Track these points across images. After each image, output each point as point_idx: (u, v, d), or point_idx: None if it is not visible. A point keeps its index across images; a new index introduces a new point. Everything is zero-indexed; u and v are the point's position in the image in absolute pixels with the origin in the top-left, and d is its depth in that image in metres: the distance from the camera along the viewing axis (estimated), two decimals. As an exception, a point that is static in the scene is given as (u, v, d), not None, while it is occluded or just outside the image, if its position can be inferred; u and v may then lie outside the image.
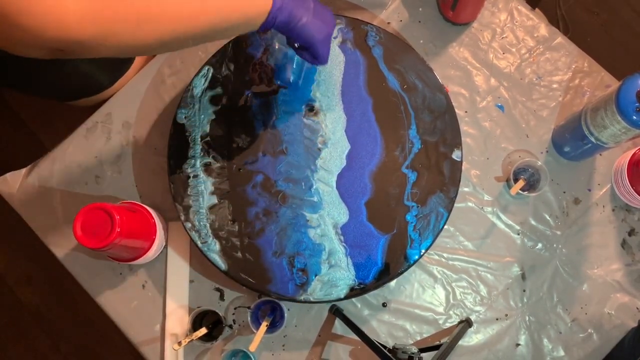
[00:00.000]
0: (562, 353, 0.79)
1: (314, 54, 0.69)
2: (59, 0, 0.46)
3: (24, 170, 0.83)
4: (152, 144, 0.84)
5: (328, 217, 0.75)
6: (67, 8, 0.46)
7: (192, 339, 0.71)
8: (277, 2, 0.61)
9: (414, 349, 0.70)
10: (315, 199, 0.75)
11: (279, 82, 0.79)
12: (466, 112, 0.86)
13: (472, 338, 0.79)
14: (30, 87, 0.84)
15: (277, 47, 0.80)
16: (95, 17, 0.48)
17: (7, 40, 0.46)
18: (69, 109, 0.95)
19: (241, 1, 0.59)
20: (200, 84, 0.79)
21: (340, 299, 0.73)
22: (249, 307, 0.76)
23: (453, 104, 0.80)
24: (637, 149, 0.81)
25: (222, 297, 0.79)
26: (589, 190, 0.84)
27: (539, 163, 0.79)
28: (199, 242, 0.74)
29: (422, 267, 0.81)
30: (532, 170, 0.81)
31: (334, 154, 0.77)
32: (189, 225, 0.74)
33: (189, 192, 0.75)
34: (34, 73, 0.76)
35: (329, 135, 0.78)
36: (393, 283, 0.80)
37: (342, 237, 0.74)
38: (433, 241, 0.75)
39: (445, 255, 0.81)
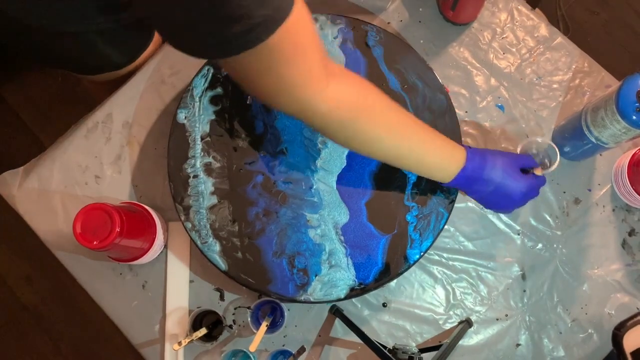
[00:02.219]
0: (562, 353, 0.79)
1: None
2: (323, 94, 0.54)
3: (21, 169, 0.83)
4: (152, 144, 0.84)
5: (328, 217, 0.75)
6: (328, 99, 0.55)
7: (192, 339, 0.71)
8: (454, 182, 0.68)
9: (414, 349, 0.70)
10: (315, 199, 0.75)
11: None
12: (466, 112, 0.86)
13: (473, 338, 0.79)
14: (52, 60, 0.85)
15: None
16: (344, 114, 0.57)
17: (270, 100, 0.54)
18: (69, 109, 0.95)
19: (433, 164, 0.67)
20: (201, 84, 0.79)
21: (341, 299, 0.73)
22: (249, 307, 0.76)
23: (453, 104, 0.80)
24: (637, 149, 0.81)
25: (222, 298, 0.79)
26: (589, 190, 0.84)
27: (539, 139, 0.78)
28: (199, 242, 0.74)
29: (422, 267, 0.81)
30: (537, 151, 0.80)
31: (334, 154, 0.77)
32: (189, 225, 0.74)
33: (189, 192, 0.75)
34: (57, 48, 0.77)
35: (329, 135, 0.78)
36: (393, 283, 0.80)
37: (342, 238, 0.74)
38: (433, 241, 0.75)
39: (445, 255, 0.81)
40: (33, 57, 0.87)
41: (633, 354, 0.74)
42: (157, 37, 0.89)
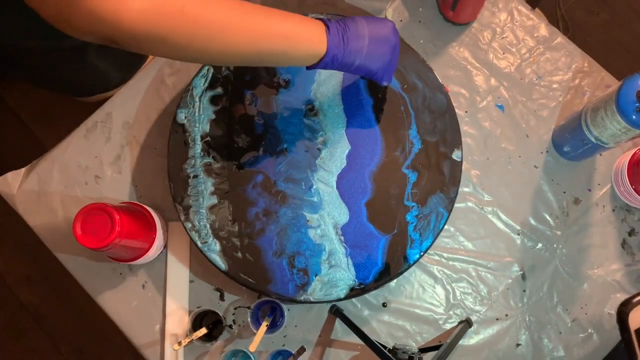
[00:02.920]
0: (562, 353, 0.79)
1: (377, 81, 0.70)
2: None
3: (23, 170, 0.83)
4: (152, 144, 0.84)
5: (328, 217, 0.75)
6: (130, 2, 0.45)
7: (192, 339, 0.71)
8: (328, 55, 0.61)
9: (415, 349, 0.70)
10: (315, 199, 0.75)
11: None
12: (466, 112, 0.86)
13: (472, 338, 0.79)
14: (46, 82, 0.84)
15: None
16: (156, 14, 0.48)
17: (64, 22, 0.45)
18: (69, 109, 0.95)
19: (298, 41, 0.59)
20: (201, 84, 0.79)
21: (340, 299, 0.73)
22: (249, 307, 0.76)
23: (453, 104, 0.80)
24: (637, 149, 0.81)
25: (222, 298, 0.79)
26: (589, 190, 0.84)
27: None
28: (199, 242, 0.74)
29: (422, 267, 0.81)
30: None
31: (334, 154, 0.77)
32: (189, 225, 0.74)
33: (189, 192, 0.75)
34: (51, 69, 0.76)
35: (329, 135, 0.78)
36: (393, 283, 0.80)
37: (342, 238, 0.74)
38: (433, 241, 0.75)
39: (445, 255, 0.81)
40: (26, 79, 0.86)
41: (637, 331, 0.74)
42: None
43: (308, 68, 0.63)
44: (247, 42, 0.56)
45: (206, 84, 0.79)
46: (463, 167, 0.78)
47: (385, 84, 0.71)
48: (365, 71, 0.66)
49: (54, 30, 0.50)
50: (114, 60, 0.81)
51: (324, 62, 0.62)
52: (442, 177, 0.77)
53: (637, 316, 0.72)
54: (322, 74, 0.80)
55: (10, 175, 0.82)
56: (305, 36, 0.60)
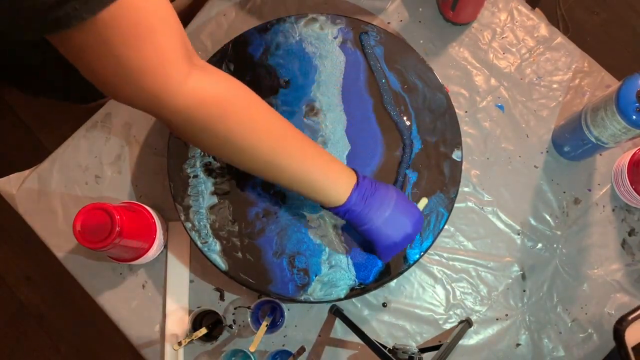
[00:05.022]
0: (562, 353, 0.79)
1: (375, 253, 0.68)
2: (182, 87, 0.47)
3: (27, 172, 0.83)
4: (152, 144, 0.84)
5: (328, 217, 0.75)
6: (188, 92, 0.47)
7: (192, 339, 0.71)
8: (343, 207, 0.61)
9: (415, 349, 0.70)
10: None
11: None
12: (466, 112, 0.86)
13: (472, 338, 0.79)
14: (44, 90, 0.84)
15: None
16: (209, 111, 0.49)
17: (115, 90, 0.47)
18: (69, 109, 0.95)
19: (322, 186, 0.59)
20: (200, 84, 0.79)
21: (341, 299, 0.73)
22: (249, 307, 0.76)
23: (453, 104, 0.80)
24: (637, 149, 0.81)
25: (222, 297, 0.79)
26: (589, 190, 0.84)
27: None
28: (199, 242, 0.74)
29: (422, 267, 0.81)
30: None
31: (334, 154, 0.77)
32: (189, 225, 0.74)
33: (189, 192, 0.75)
34: (48, 77, 0.76)
35: (329, 135, 0.78)
36: (393, 283, 0.80)
37: (342, 238, 0.74)
38: (433, 241, 0.75)
39: (445, 255, 0.81)
40: (25, 89, 0.86)
41: (635, 348, 0.74)
42: None
43: (322, 206, 0.63)
44: (277, 166, 0.56)
45: (206, 84, 0.79)
46: (463, 167, 0.78)
47: (382, 260, 0.71)
48: (370, 238, 0.65)
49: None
50: None
51: (336, 210, 0.62)
52: (442, 177, 0.77)
53: (633, 333, 0.72)
54: (323, 74, 0.80)
55: (14, 177, 0.83)
56: (327, 184, 0.60)
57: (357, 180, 0.62)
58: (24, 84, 0.82)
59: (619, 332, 0.72)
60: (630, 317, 0.73)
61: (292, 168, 0.57)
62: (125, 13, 0.41)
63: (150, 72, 0.44)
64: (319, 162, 0.59)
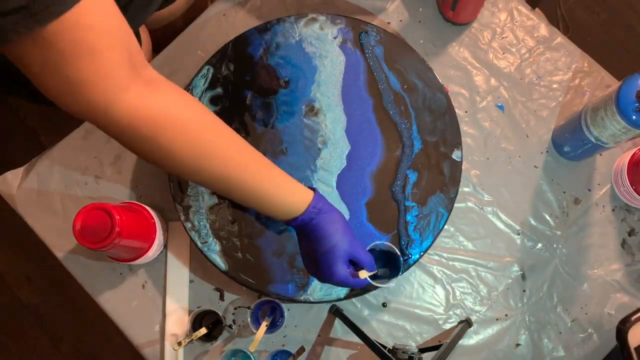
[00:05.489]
0: (562, 353, 0.79)
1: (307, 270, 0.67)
2: (123, 98, 0.47)
3: (22, 169, 0.83)
4: (152, 144, 0.84)
5: (328, 217, 0.75)
6: (125, 105, 0.48)
7: (192, 339, 0.71)
8: (300, 219, 0.60)
9: (414, 349, 0.70)
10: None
11: None
12: (466, 112, 0.86)
13: (472, 338, 0.79)
14: (39, 96, 0.84)
15: None
16: (146, 124, 0.50)
17: (58, 98, 0.47)
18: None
19: (277, 198, 0.59)
20: (200, 84, 0.79)
21: (340, 299, 0.73)
22: (249, 307, 0.76)
23: (453, 104, 0.80)
24: (637, 149, 0.81)
25: (222, 297, 0.79)
26: (589, 190, 0.84)
27: (393, 248, 0.67)
28: (199, 242, 0.74)
29: (422, 267, 0.81)
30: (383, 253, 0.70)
31: (334, 154, 0.77)
32: (189, 225, 0.74)
33: (189, 192, 0.75)
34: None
35: (329, 135, 0.78)
36: (393, 283, 0.80)
37: (342, 237, 0.74)
38: (433, 241, 0.75)
39: (445, 255, 0.81)
40: (24, 96, 0.86)
41: (637, 349, 0.74)
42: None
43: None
44: (222, 182, 0.56)
45: (206, 84, 0.79)
46: (463, 167, 0.78)
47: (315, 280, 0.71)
48: (310, 266, 0.64)
49: None
50: None
51: (293, 224, 0.61)
52: (442, 177, 0.77)
53: (636, 333, 0.72)
54: (322, 74, 0.80)
55: (9, 174, 0.82)
56: (285, 200, 0.60)
57: (313, 200, 0.60)
58: (22, 90, 0.82)
59: (622, 332, 0.72)
60: (633, 318, 0.73)
61: (239, 188, 0.57)
62: (65, 31, 0.42)
63: (89, 85, 0.45)
64: (272, 180, 0.59)
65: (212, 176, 0.55)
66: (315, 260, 0.61)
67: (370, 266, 0.63)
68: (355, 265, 0.63)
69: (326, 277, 0.61)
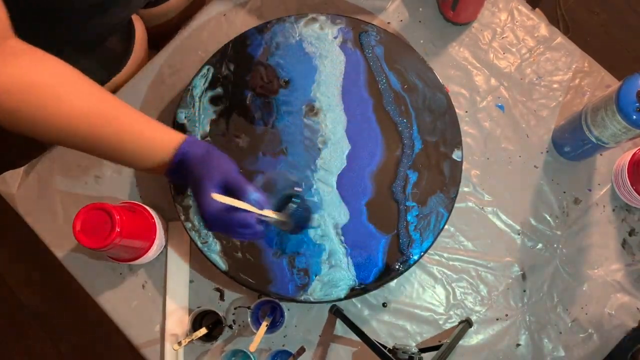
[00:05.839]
0: (562, 353, 0.79)
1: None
2: None
3: (22, 169, 0.83)
4: (152, 144, 0.84)
5: (328, 217, 0.75)
6: None
7: (192, 339, 0.71)
8: (171, 164, 0.58)
9: (415, 349, 0.70)
10: (315, 199, 0.75)
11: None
12: (466, 112, 0.86)
13: (473, 338, 0.79)
14: None
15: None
16: (9, 95, 0.49)
17: None
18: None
19: (139, 150, 0.58)
20: (200, 84, 0.79)
21: (341, 299, 0.73)
22: (249, 307, 0.76)
23: (453, 103, 0.80)
24: (637, 149, 0.81)
25: (222, 297, 0.79)
26: (589, 190, 0.84)
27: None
28: (199, 242, 0.74)
29: (422, 267, 0.81)
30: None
31: (334, 154, 0.77)
32: (189, 225, 0.74)
33: (189, 192, 0.75)
34: None
35: (329, 135, 0.78)
36: (393, 283, 0.80)
37: (342, 238, 0.74)
38: (433, 241, 0.75)
39: (445, 255, 0.81)
40: None
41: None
42: (138, 53, 0.88)
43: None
44: (91, 141, 0.56)
45: (206, 84, 0.79)
46: (463, 167, 0.78)
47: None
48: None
49: (28, 38, 0.51)
50: (95, 60, 0.81)
51: (166, 172, 0.60)
52: (442, 177, 0.77)
53: None
54: (323, 74, 0.80)
55: (9, 174, 0.82)
56: (153, 147, 0.58)
57: (185, 141, 0.59)
58: None
59: None
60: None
61: (105, 145, 0.56)
62: None
63: None
64: (140, 127, 0.58)
65: (78, 134, 0.55)
66: (195, 195, 0.58)
67: (255, 198, 0.58)
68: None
69: (204, 208, 0.57)
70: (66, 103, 0.53)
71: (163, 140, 0.59)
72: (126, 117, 0.57)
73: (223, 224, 0.57)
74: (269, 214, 0.60)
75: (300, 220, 0.65)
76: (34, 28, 0.62)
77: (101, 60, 0.83)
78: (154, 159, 0.59)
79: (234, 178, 0.58)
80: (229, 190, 0.58)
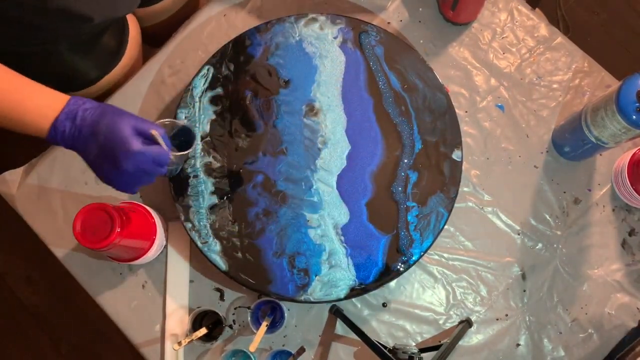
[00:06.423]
0: (562, 353, 0.79)
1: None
2: None
3: (22, 169, 0.83)
4: (152, 144, 0.84)
5: (328, 217, 0.75)
6: None
7: (192, 339, 0.71)
8: (53, 129, 0.58)
9: (414, 349, 0.70)
10: (315, 199, 0.75)
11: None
12: (466, 112, 0.86)
13: (473, 338, 0.79)
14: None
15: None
16: None
17: None
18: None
19: (18, 112, 0.57)
20: (201, 84, 0.79)
21: (341, 299, 0.73)
22: (249, 307, 0.76)
23: (453, 103, 0.80)
24: (637, 149, 0.81)
25: (222, 297, 0.79)
26: (589, 190, 0.84)
27: (180, 122, 0.69)
28: (199, 243, 0.74)
29: (422, 267, 0.81)
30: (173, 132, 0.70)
31: (334, 154, 0.77)
32: (189, 225, 0.74)
33: (189, 192, 0.75)
34: (22, 66, 0.76)
35: (329, 135, 0.78)
36: (393, 283, 0.80)
37: (342, 238, 0.74)
38: (433, 241, 0.75)
39: (445, 255, 0.81)
40: None
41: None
42: (131, 52, 0.88)
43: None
44: None
45: (206, 84, 0.79)
46: (463, 167, 0.78)
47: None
48: (102, 172, 0.61)
49: (21, 35, 0.50)
50: (89, 57, 0.81)
51: (48, 137, 0.59)
52: (442, 177, 0.77)
53: None
54: (323, 74, 0.80)
55: (9, 174, 0.82)
56: (34, 111, 0.57)
57: (67, 103, 0.58)
58: None
59: None
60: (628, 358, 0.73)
61: None
62: None
63: None
64: (20, 92, 0.56)
65: None
66: (105, 155, 0.58)
67: (164, 138, 0.60)
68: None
69: (123, 159, 0.58)
70: None
71: (41, 109, 0.58)
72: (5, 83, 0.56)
73: (140, 172, 0.59)
74: (178, 153, 0.65)
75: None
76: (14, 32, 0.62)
77: (93, 59, 0.83)
78: (35, 129, 0.58)
79: (141, 123, 0.59)
80: (140, 135, 0.59)
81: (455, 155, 0.78)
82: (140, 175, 0.60)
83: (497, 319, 0.80)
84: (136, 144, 0.58)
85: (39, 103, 0.58)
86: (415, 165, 0.77)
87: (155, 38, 0.93)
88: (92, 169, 0.61)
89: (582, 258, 0.82)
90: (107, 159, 0.58)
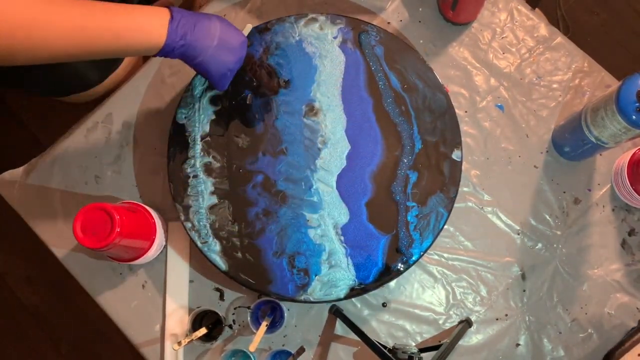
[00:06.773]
0: (562, 353, 0.79)
1: (212, 84, 0.71)
2: None
3: (22, 169, 0.83)
4: (152, 144, 0.84)
5: (328, 217, 0.75)
6: None
7: (192, 339, 0.71)
8: (166, 48, 0.61)
9: (414, 349, 0.70)
10: (315, 199, 0.75)
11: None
12: (466, 112, 0.86)
13: (472, 338, 0.79)
14: (20, 82, 0.84)
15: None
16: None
17: None
18: (69, 109, 0.95)
19: (131, 39, 0.59)
20: (200, 84, 0.79)
21: (340, 299, 0.73)
22: (249, 307, 0.76)
23: (453, 103, 0.80)
24: (637, 149, 0.81)
25: (222, 297, 0.79)
26: (589, 190, 0.84)
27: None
28: (199, 242, 0.74)
29: (422, 267, 0.81)
30: None
31: (334, 154, 0.77)
32: (189, 225, 0.74)
33: (189, 192, 0.75)
34: (24, 67, 0.76)
35: (329, 135, 0.78)
36: (393, 283, 0.80)
37: (342, 238, 0.74)
38: (433, 241, 0.75)
39: (445, 255, 0.81)
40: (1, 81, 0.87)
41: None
42: (131, 58, 0.88)
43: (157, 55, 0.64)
44: (73, 45, 0.55)
45: (206, 84, 0.79)
46: (463, 167, 0.78)
47: (219, 89, 0.72)
48: (204, 70, 0.67)
49: None
50: (89, 60, 0.82)
51: (162, 52, 0.62)
52: (442, 177, 0.77)
53: None
54: (323, 74, 0.80)
55: (8, 174, 0.82)
56: (139, 33, 0.59)
57: (171, 15, 0.61)
58: (1, 76, 0.82)
59: None
60: (617, 353, 0.73)
61: (96, 45, 0.57)
62: None
63: None
64: (122, 22, 0.58)
65: (73, 50, 0.55)
66: (223, 45, 0.65)
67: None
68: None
69: (242, 47, 0.68)
70: (53, 31, 0.53)
71: (153, 17, 0.60)
72: (106, 16, 0.57)
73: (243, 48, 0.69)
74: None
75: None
76: None
77: (94, 61, 0.83)
78: (151, 35, 0.60)
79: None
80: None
81: (455, 155, 0.78)
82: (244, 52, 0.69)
83: (497, 319, 0.80)
84: (238, 29, 0.67)
85: (144, 20, 0.60)
86: (415, 165, 0.77)
87: None
88: (203, 69, 0.66)
89: (581, 258, 0.82)
90: (223, 50, 0.65)
